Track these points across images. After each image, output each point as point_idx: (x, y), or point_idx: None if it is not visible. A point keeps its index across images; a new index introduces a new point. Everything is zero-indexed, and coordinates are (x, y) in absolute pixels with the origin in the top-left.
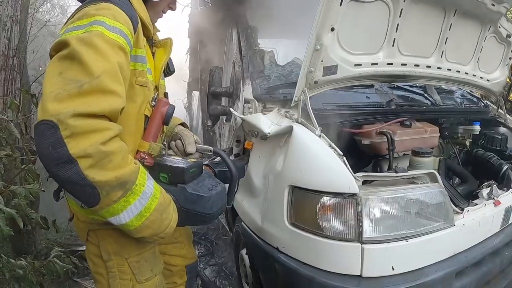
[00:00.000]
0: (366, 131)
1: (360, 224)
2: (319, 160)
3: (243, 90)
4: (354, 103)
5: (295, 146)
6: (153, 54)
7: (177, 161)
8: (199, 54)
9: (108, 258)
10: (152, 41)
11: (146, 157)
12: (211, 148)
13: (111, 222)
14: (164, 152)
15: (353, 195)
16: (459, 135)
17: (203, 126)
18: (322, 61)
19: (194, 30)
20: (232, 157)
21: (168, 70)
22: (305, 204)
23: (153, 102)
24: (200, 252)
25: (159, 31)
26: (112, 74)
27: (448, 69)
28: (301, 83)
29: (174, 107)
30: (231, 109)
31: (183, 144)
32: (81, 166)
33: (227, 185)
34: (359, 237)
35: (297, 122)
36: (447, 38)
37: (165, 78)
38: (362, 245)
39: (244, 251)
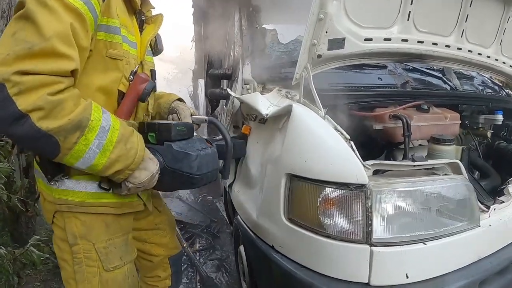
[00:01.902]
0: (378, 114)
1: (370, 222)
2: (322, 144)
3: (242, 71)
4: (365, 84)
5: (294, 127)
6: (141, 30)
7: (166, 122)
8: (203, 41)
9: (74, 242)
10: (141, 16)
11: None
12: (206, 117)
13: (79, 167)
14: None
15: (361, 186)
16: (480, 125)
17: (208, 114)
18: (326, 32)
19: (199, 15)
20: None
21: (156, 48)
22: (304, 196)
23: (131, 77)
24: (201, 246)
25: (154, 8)
26: (64, 36)
27: (469, 51)
28: (303, 57)
29: (154, 84)
30: (228, 89)
31: (179, 118)
32: (33, 119)
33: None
34: (367, 238)
35: (299, 102)
36: (467, 15)
37: (153, 56)
38: (371, 247)
39: (242, 247)
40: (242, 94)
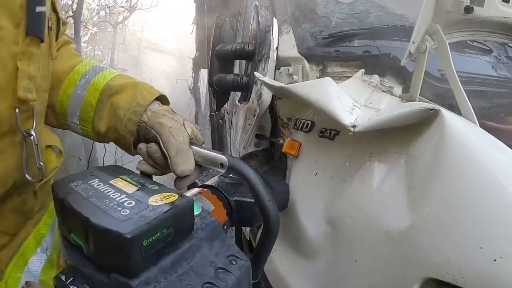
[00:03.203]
0: None
1: None
2: None
3: (277, 44)
4: (476, 74)
5: (460, 174)
6: None
7: (116, 203)
8: (206, 22)
9: None
10: None
11: None
12: (224, 158)
13: None
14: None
15: None
16: None
17: (212, 113)
18: None
19: None
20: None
21: None
22: None
23: None
24: None
25: None
26: None
27: None
28: (427, 13)
29: None
30: (256, 73)
31: (162, 151)
32: None
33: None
34: None
35: (412, 100)
36: None
37: None
38: None
39: None
40: (275, 80)
